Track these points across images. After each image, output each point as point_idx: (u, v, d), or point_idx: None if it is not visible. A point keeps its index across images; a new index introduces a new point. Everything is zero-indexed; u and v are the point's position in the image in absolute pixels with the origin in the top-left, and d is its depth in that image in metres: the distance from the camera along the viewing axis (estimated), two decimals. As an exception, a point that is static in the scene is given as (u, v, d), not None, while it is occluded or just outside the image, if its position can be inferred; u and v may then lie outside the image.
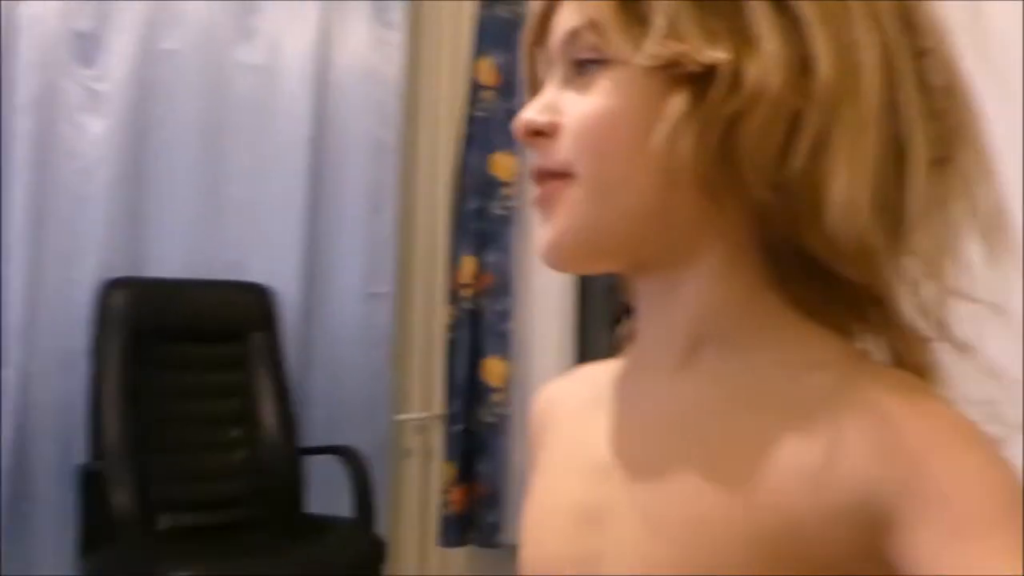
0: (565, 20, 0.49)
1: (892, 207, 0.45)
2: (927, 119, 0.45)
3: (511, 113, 2.69)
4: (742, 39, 0.44)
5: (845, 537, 0.42)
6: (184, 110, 2.42)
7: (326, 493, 2.43)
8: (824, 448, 0.43)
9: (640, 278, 0.52)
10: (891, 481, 0.41)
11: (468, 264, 2.69)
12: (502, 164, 2.68)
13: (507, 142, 2.69)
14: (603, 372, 0.58)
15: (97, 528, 1.87)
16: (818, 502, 0.43)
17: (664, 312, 0.51)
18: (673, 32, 0.44)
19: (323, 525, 2.16)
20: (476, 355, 2.68)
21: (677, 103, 0.45)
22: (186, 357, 2.26)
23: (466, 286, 2.69)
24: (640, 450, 0.51)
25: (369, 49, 2.67)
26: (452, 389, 2.71)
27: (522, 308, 2.70)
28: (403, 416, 2.89)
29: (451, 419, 2.69)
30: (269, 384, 2.30)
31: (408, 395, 2.91)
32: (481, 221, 2.70)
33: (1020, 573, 0.37)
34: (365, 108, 2.67)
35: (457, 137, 2.87)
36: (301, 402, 2.49)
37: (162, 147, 2.36)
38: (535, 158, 0.51)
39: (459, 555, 2.97)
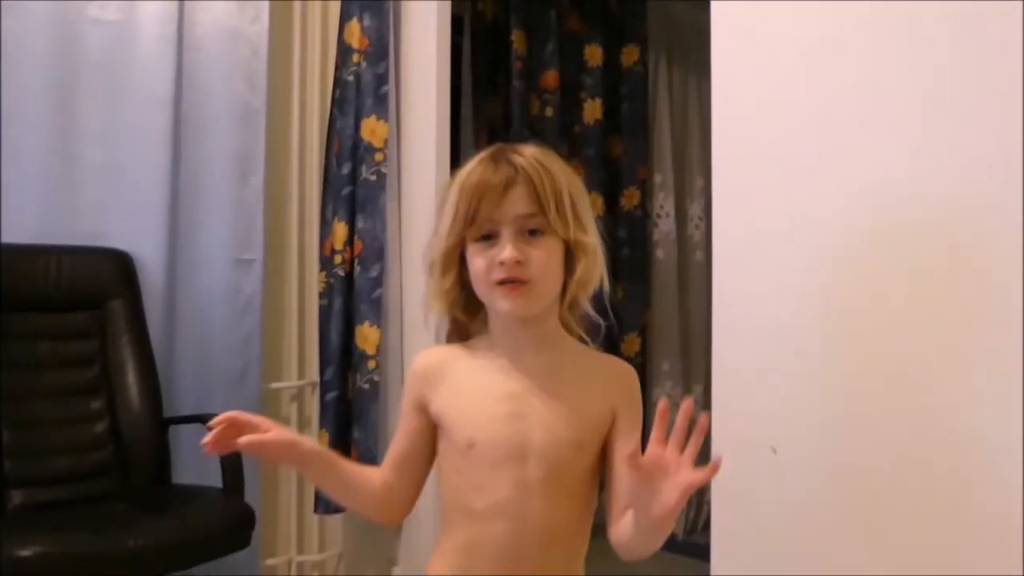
0: (521, 206, 1.08)
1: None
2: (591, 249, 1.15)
3: (381, 77, 2.68)
4: (582, 228, 1.12)
5: (609, 417, 1.14)
6: (33, 68, 2.30)
7: (196, 465, 2.39)
8: (603, 384, 1.17)
9: (534, 317, 1.13)
10: (621, 398, 1.17)
11: (340, 230, 2.67)
12: (373, 129, 2.66)
13: (378, 107, 2.67)
14: (470, 351, 1.19)
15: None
16: (604, 405, 1.14)
17: (532, 329, 1.14)
18: (572, 225, 1.10)
19: (189, 495, 2.12)
20: (349, 322, 2.67)
21: (563, 256, 1.13)
22: (38, 327, 2.17)
23: (338, 252, 2.68)
24: (532, 384, 1.13)
25: (233, 8, 2.59)
26: (325, 356, 2.69)
27: (394, 274, 2.70)
28: (277, 384, 2.85)
29: (325, 386, 2.68)
30: (130, 353, 2.23)
31: (282, 363, 2.88)
32: (352, 186, 2.68)
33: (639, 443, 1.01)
34: (230, 70, 2.59)
35: (328, 101, 2.84)
36: (169, 372, 2.43)
37: (10, 107, 2.24)
38: (512, 271, 1.07)
39: (336, 522, 2.98)
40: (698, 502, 3.75)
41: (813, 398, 1.68)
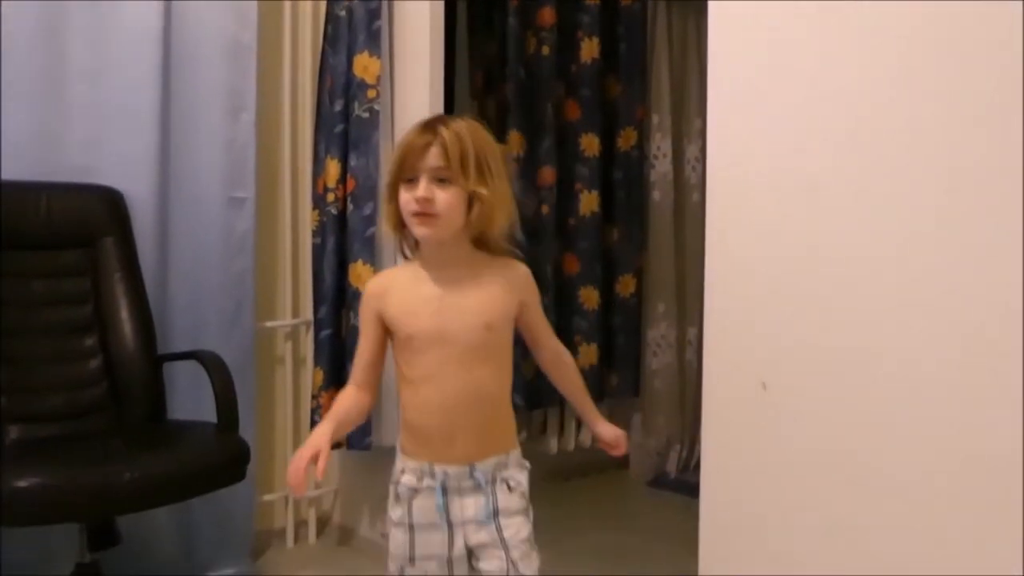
0: (434, 160, 1.43)
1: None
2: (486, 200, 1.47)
3: (373, 12, 2.64)
4: (483, 183, 1.45)
5: (515, 304, 1.56)
6: (21, 5, 2.26)
7: (191, 401, 2.41)
8: (506, 282, 1.55)
9: (445, 242, 1.48)
10: (523, 289, 1.58)
11: (332, 168, 2.66)
12: (366, 66, 2.63)
13: (370, 43, 2.63)
14: (407, 268, 1.55)
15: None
16: (508, 296, 1.55)
17: (447, 251, 1.50)
18: (472, 180, 1.44)
19: (184, 430, 2.15)
20: (343, 260, 2.67)
21: (466, 200, 1.46)
22: (31, 265, 2.16)
23: (331, 190, 2.66)
24: (449, 290, 1.49)
25: (222, -58, 2.54)
26: (319, 294, 2.70)
27: (388, 212, 2.69)
28: (271, 323, 2.86)
29: (319, 324, 2.69)
30: (123, 291, 2.23)
31: (276, 302, 2.89)
32: (345, 124, 2.66)
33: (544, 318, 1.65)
34: (220, 5, 2.55)
35: (320, 37, 2.80)
36: (162, 310, 2.43)
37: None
38: (423, 206, 1.43)
39: (332, 458, 3.01)
40: (690, 441, 3.80)
41: (804, 336, 1.68)
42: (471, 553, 1.52)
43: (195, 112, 2.54)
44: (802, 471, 1.69)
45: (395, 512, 1.56)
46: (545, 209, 3.38)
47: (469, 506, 1.51)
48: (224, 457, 1.97)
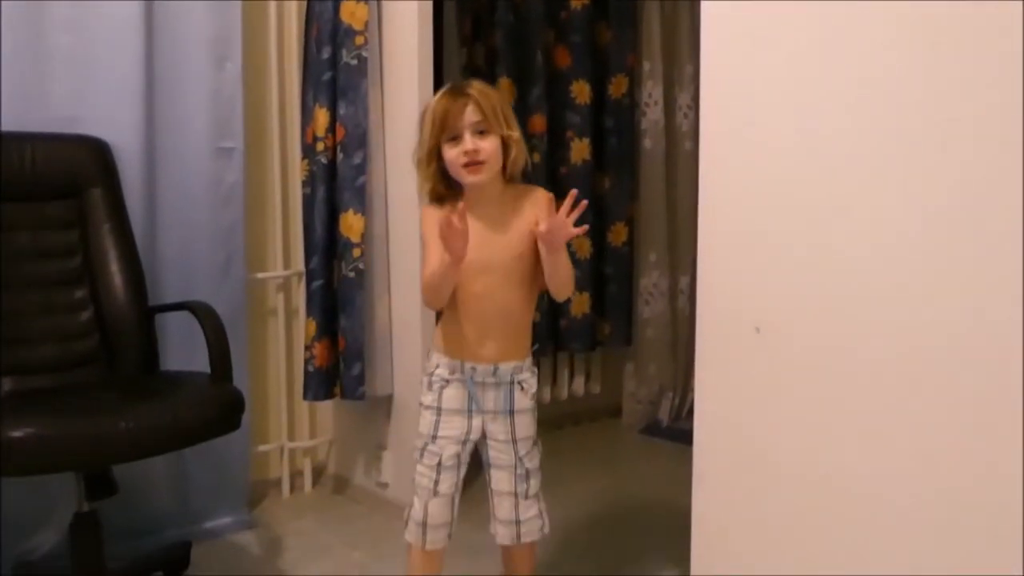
0: (473, 115, 1.75)
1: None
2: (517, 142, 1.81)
3: (358, -43, 2.59)
4: (511, 127, 1.79)
5: (532, 237, 1.79)
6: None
7: (183, 353, 2.41)
8: (529, 209, 1.83)
9: (487, 184, 1.79)
10: (541, 212, 1.82)
11: (321, 117, 2.62)
12: (353, 11, 2.58)
13: (357, -12, 2.58)
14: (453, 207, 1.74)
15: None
16: (530, 222, 1.79)
17: (487, 191, 1.81)
18: (505, 126, 1.77)
19: (178, 381, 2.14)
20: (333, 210, 2.65)
21: (501, 145, 1.78)
22: (17, 217, 2.13)
23: (320, 140, 2.63)
24: (490, 226, 1.81)
25: None
26: (310, 245, 2.68)
27: (378, 161, 2.67)
28: (263, 274, 2.85)
29: (310, 275, 2.68)
30: (112, 242, 2.21)
31: (267, 253, 2.88)
32: (333, 71, 2.62)
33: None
34: (203, -49, 2.50)
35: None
36: (152, 262, 2.42)
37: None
38: (472, 157, 1.74)
39: (326, 409, 3.03)
40: (682, 390, 3.83)
41: (798, 279, 1.69)
42: (484, 441, 1.86)
43: (180, 62, 2.50)
44: (795, 415, 1.71)
45: (427, 398, 1.88)
46: (536, 157, 3.35)
47: (490, 399, 1.85)
48: (218, 406, 1.97)
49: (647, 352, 3.76)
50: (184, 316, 2.28)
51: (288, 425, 2.96)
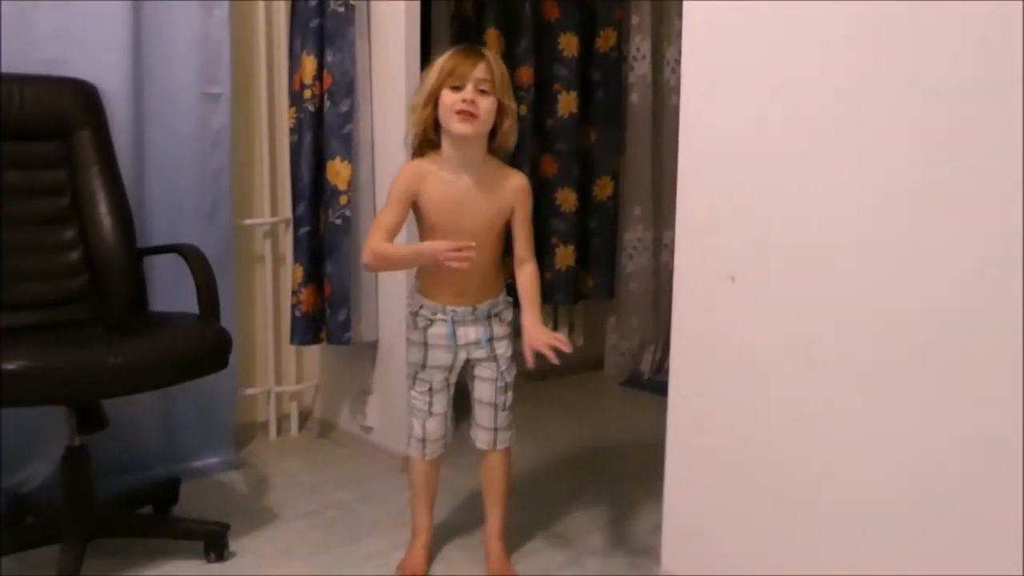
0: (481, 73, 1.83)
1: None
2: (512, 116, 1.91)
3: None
4: (509, 96, 1.88)
5: (509, 209, 1.95)
6: None
7: (171, 295, 2.43)
8: (506, 190, 1.95)
9: (472, 143, 1.88)
10: (516, 199, 1.96)
11: (308, 64, 2.64)
12: (340, -42, 2.58)
13: (342, -67, 2.58)
14: (431, 163, 1.92)
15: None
16: (506, 202, 1.95)
17: (469, 152, 1.90)
18: (505, 93, 1.88)
19: (166, 320, 2.18)
20: (320, 157, 2.67)
21: (495, 111, 1.87)
22: (5, 154, 2.15)
23: (307, 87, 2.65)
24: (467, 191, 1.92)
25: None
26: (297, 192, 2.71)
27: (364, 110, 2.68)
28: (250, 221, 2.88)
29: (297, 222, 2.71)
30: (100, 184, 2.23)
31: (254, 199, 2.90)
32: (320, 19, 2.62)
33: (530, 231, 2.01)
34: None
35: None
36: (139, 206, 2.44)
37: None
38: (468, 107, 1.82)
39: (312, 354, 3.08)
40: (664, 343, 3.89)
41: (773, 229, 1.73)
42: (467, 364, 2.02)
43: (168, 7, 2.50)
44: (768, 360, 1.76)
45: (413, 335, 2.02)
46: (523, 110, 3.36)
47: (471, 333, 1.99)
48: (206, 345, 2.01)
49: (630, 305, 3.82)
50: (171, 262, 2.32)
51: (275, 370, 3.01)
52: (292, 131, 2.73)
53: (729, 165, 1.80)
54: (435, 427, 2.05)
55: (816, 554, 1.71)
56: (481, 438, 2.07)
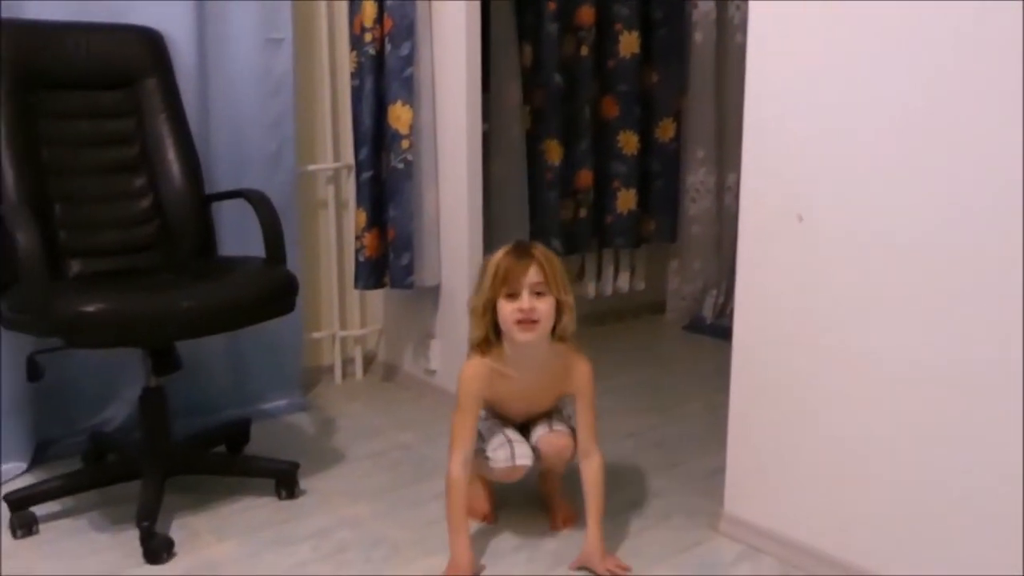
0: (533, 277, 1.79)
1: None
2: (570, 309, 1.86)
3: None
4: (566, 292, 1.83)
5: (567, 390, 1.98)
6: None
7: (238, 239, 2.47)
8: (566, 377, 1.93)
9: (538, 341, 1.84)
10: (575, 384, 1.93)
11: (368, 7, 2.62)
12: (399, -102, 2.55)
13: None
14: (494, 363, 1.88)
15: (10, 272, 1.90)
16: (564, 387, 1.96)
17: (533, 350, 1.86)
18: (561, 288, 1.82)
19: (235, 264, 2.22)
20: (381, 102, 2.67)
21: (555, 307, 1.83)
22: (75, 105, 2.19)
23: (368, 30, 2.64)
24: (530, 384, 1.93)
25: None
26: (359, 137, 2.72)
27: (425, 52, 2.67)
28: (313, 167, 2.91)
29: (359, 167, 2.72)
30: (168, 131, 2.26)
31: (316, 145, 2.92)
32: (380, -40, 2.60)
33: (595, 415, 1.94)
34: None
35: None
36: (205, 153, 2.47)
37: None
38: (527, 315, 1.79)
39: (376, 298, 3.12)
40: (727, 287, 3.84)
41: (843, 168, 1.69)
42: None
43: (229, -48, 2.51)
44: (833, 299, 1.73)
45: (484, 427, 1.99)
46: (584, 50, 3.32)
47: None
48: (274, 287, 2.05)
49: (692, 249, 3.78)
50: (236, 210, 2.36)
51: (340, 314, 3.05)
52: (353, 75, 2.73)
53: (796, 102, 1.75)
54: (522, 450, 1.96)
55: (880, 498, 1.69)
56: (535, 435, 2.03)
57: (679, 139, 3.65)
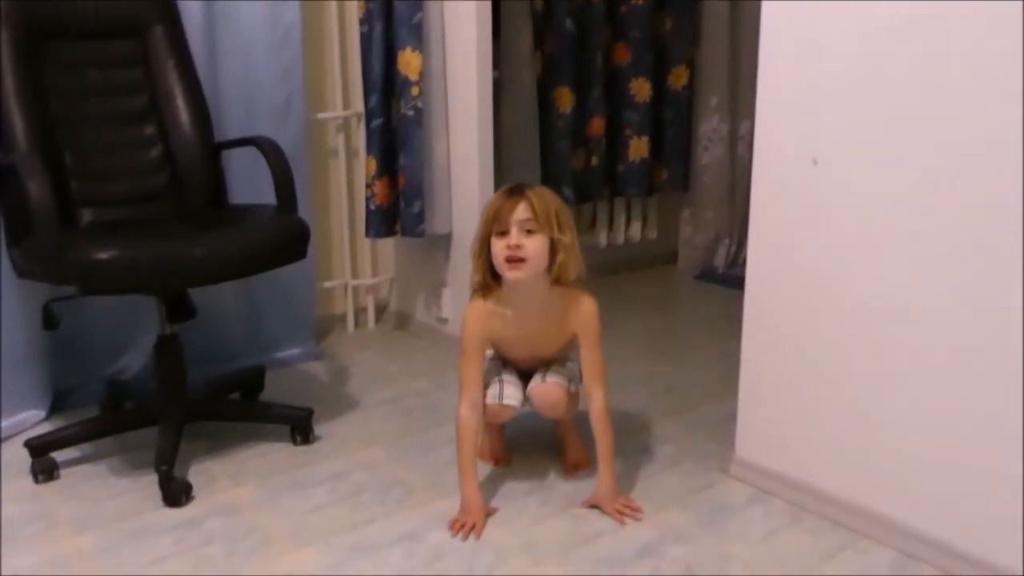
0: (521, 214, 1.77)
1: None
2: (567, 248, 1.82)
3: None
4: (562, 231, 1.79)
5: (572, 333, 1.90)
6: None
7: (248, 187, 2.48)
8: (570, 317, 1.88)
9: (530, 283, 1.81)
10: (579, 325, 1.88)
11: (376, -48, 2.59)
12: None
13: None
14: (495, 306, 1.87)
15: (24, 223, 1.90)
16: (569, 328, 1.89)
17: (529, 291, 1.84)
18: (555, 226, 1.78)
19: (246, 212, 2.22)
20: (390, 48, 2.64)
21: (549, 247, 1.80)
22: (83, 55, 2.17)
23: (375, -24, 2.60)
24: (531, 326, 1.90)
25: None
26: (368, 84, 2.70)
27: (434, -2, 2.64)
28: (323, 115, 2.89)
29: (369, 114, 2.70)
30: (176, 79, 2.25)
31: (326, 93, 2.90)
32: (386, -96, 2.56)
33: (601, 357, 1.89)
34: None
35: None
36: (215, 103, 2.45)
37: None
38: (515, 252, 1.76)
39: (388, 247, 3.12)
40: (738, 237, 3.83)
41: (859, 109, 1.66)
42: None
43: None
44: (849, 248, 1.72)
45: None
46: (596, -5, 3.27)
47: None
48: (286, 234, 2.05)
49: (704, 198, 3.75)
50: (247, 159, 2.35)
51: (351, 263, 3.06)
52: (362, 22, 2.70)
53: (813, 44, 1.72)
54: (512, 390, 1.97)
55: (889, 441, 1.70)
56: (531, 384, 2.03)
57: (692, 86, 3.61)
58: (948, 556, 1.63)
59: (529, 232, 1.77)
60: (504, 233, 1.77)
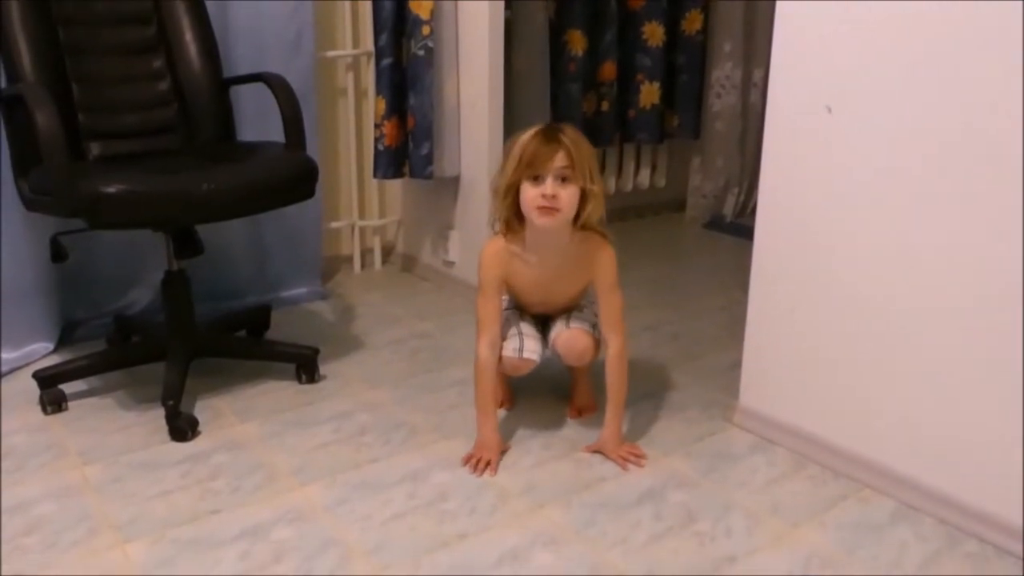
0: (559, 162, 1.72)
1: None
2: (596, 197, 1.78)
3: None
4: (594, 180, 1.76)
5: (589, 278, 1.88)
6: None
7: (257, 124, 2.45)
8: (589, 263, 1.86)
9: (558, 228, 1.79)
10: (596, 270, 1.86)
11: None
12: None
13: None
14: (514, 246, 1.85)
15: (32, 154, 1.89)
16: (588, 274, 1.87)
17: (553, 237, 1.82)
18: (588, 179, 1.75)
19: (254, 149, 2.20)
20: (402, -14, 2.60)
21: (579, 195, 1.76)
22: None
23: (387, -90, 2.55)
24: (550, 271, 1.87)
25: None
26: (379, 22, 2.65)
27: (447, -67, 2.58)
28: (332, 53, 2.85)
29: (379, 52, 2.66)
30: (185, 11, 2.21)
31: (336, 31, 2.86)
32: None
33: (621, 303, 1.87)
34: None
35: None
36: (223, 38, 2.42)
37: None
38: (549, 202, 1.73)
39: (395, 189, 3.11)
40: (748, 186, 3.80)
41: (875, 55, 1.63)
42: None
43: None
44: (861, 196, 1.70)
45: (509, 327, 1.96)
46: (610, -64, 3.20)
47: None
48: (294, 172, 2.03)
49: (715, 146, 3.72)
50: (255, 98, 2.32)
51: (358, 204, 3.05)
52: (372, -42, 2.65)
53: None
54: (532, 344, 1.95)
55: (893, 396, 1.70)
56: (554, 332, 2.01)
57: (706, 32, 3.55)
58: (948, 507, 1.64)
59: (563, 180, 1.73)
60: (538, 180, 1.73)
